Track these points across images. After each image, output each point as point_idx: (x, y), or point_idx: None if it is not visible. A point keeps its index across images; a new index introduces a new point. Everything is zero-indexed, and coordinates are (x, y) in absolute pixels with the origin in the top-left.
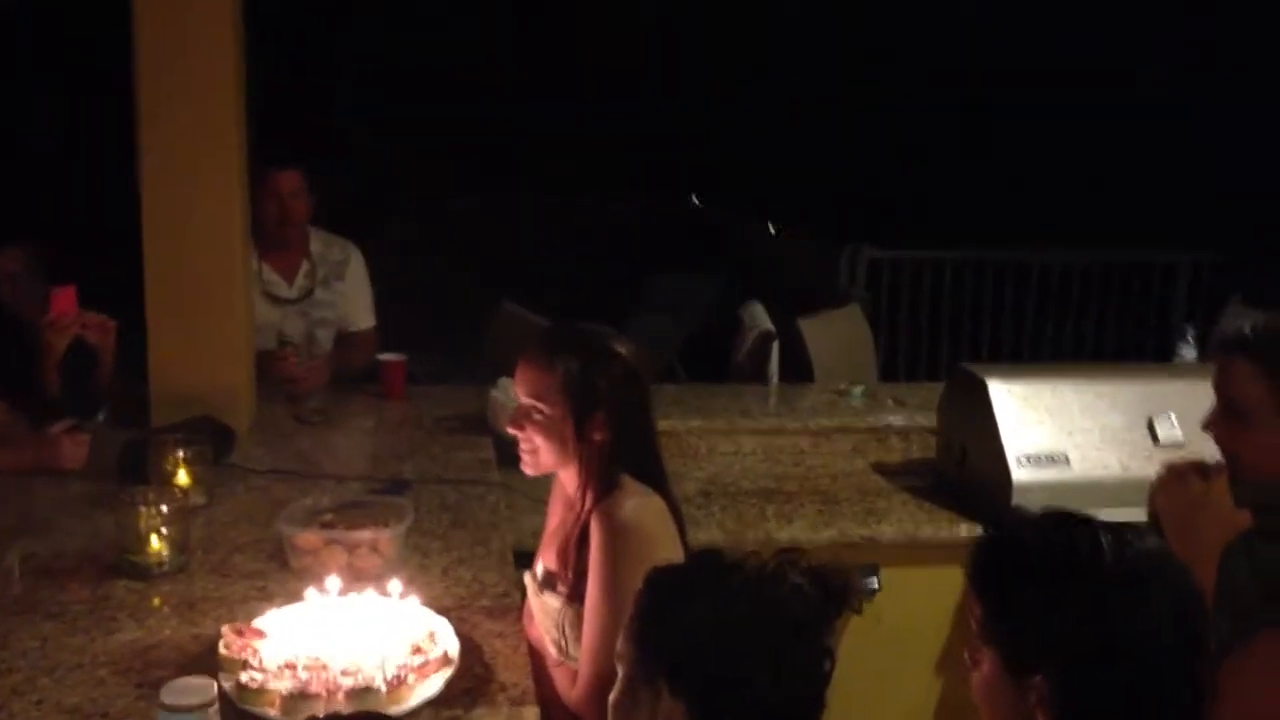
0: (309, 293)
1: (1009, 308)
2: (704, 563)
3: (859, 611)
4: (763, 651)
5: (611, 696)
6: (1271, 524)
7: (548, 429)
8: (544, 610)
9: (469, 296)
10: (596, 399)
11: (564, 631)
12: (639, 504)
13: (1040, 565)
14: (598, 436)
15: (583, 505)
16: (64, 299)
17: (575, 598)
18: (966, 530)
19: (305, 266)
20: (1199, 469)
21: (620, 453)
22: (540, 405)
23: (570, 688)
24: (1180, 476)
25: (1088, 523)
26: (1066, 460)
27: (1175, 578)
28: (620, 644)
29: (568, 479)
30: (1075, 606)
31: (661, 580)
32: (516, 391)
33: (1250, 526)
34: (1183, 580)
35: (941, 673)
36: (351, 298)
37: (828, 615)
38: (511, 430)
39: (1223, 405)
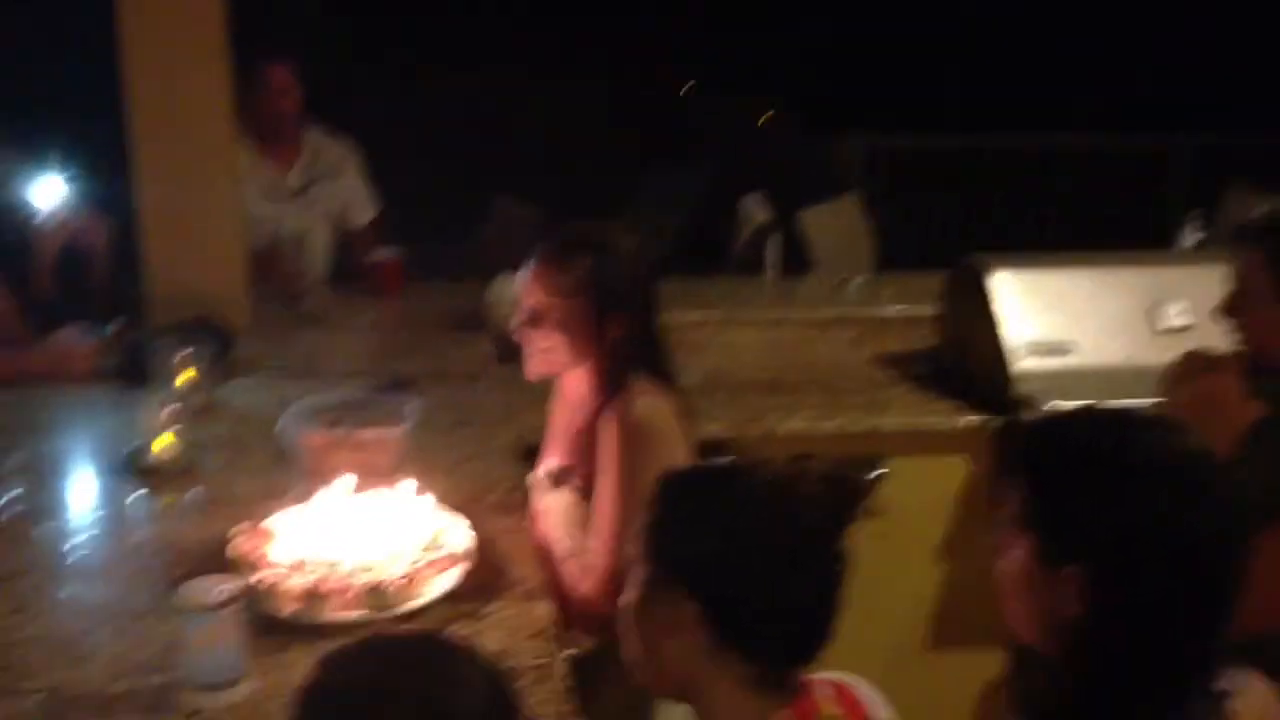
0: (307, 187)
1: (1006, 196)
2: (717, 468)
3: (872, 515)
4: (778, 557)
5: (623, 599)
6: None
7: (565, 328)
8: (555, 506)
9: (456, 191)
10: (615, 296)
11: (575, 527)
12: (651, 403)
13: (1092, 454)
14: (614, 334)
15: (595, 404)
16: (52, 196)
17: (586, 494)
18: (968, 420)
19: (303, 160)
20: (1211, 361)
21: (632, 351)
22: (557, 304)
23: (580, 582)
24: (1193, 370)
25: (1136, 418)
26: (1069, 349)
27: (1222, 477)
28: (633, 547)
29: (577, 378)
30: (1124, 499)
31: (675, 485)
32: (528, 290)
33: (1263, 416)
34: (1227, 479)
35: (943, 559)
36: (352, 193)
37: (841, 521)
38: (524, 330)
39: (1242, 287)
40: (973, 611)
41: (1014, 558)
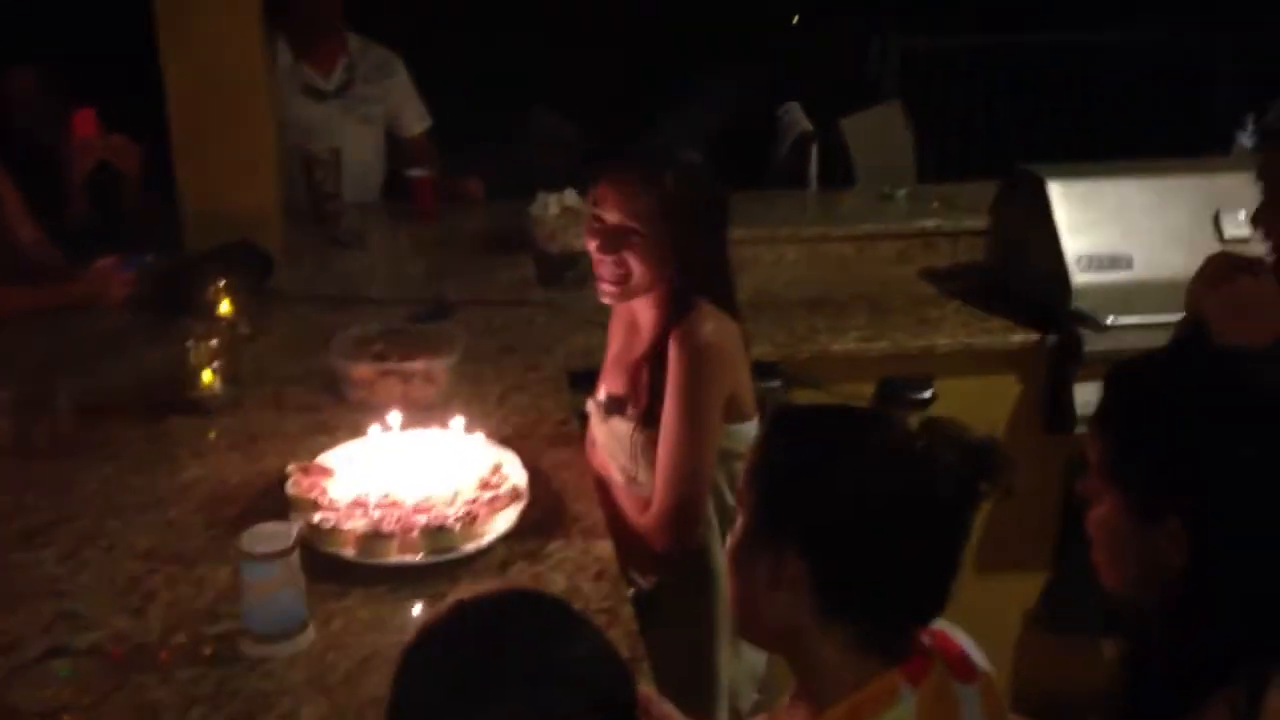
0: (349, 85)
1: (1045, 98)
2: (842, 416)
3: (1008, 493)
4: (905, 529)
5: (730, 541)
6: None
7: (648, 251)
8: (611, 435)
9: (490, 106)
10: (695, 218)
11: (635, 456)
12: (718, 326)
13: (1182, 399)
14: (692, 257)
15: (659, 328)
16: (84, 121)
17: (648, 422)
18: (1022, 338)
19: (344, 60)
20: (1245, 265)
21: (701, 274)
22: (639, 225)
23: (640, 513)
24: (1228, 275)
25: (1223, 355)
26: (1129, 263)
27: None
28: (742, 485)
29: (643, 303)
30: (1221, 442)
31: (792, 427)
32: (605, 212)
33: None
34: None
35: None
36: (400, 97)
37: (975, 495)
38: (600, 255)
39: (1270, 195)
40: (1015, 537)
41: (1107, 509)
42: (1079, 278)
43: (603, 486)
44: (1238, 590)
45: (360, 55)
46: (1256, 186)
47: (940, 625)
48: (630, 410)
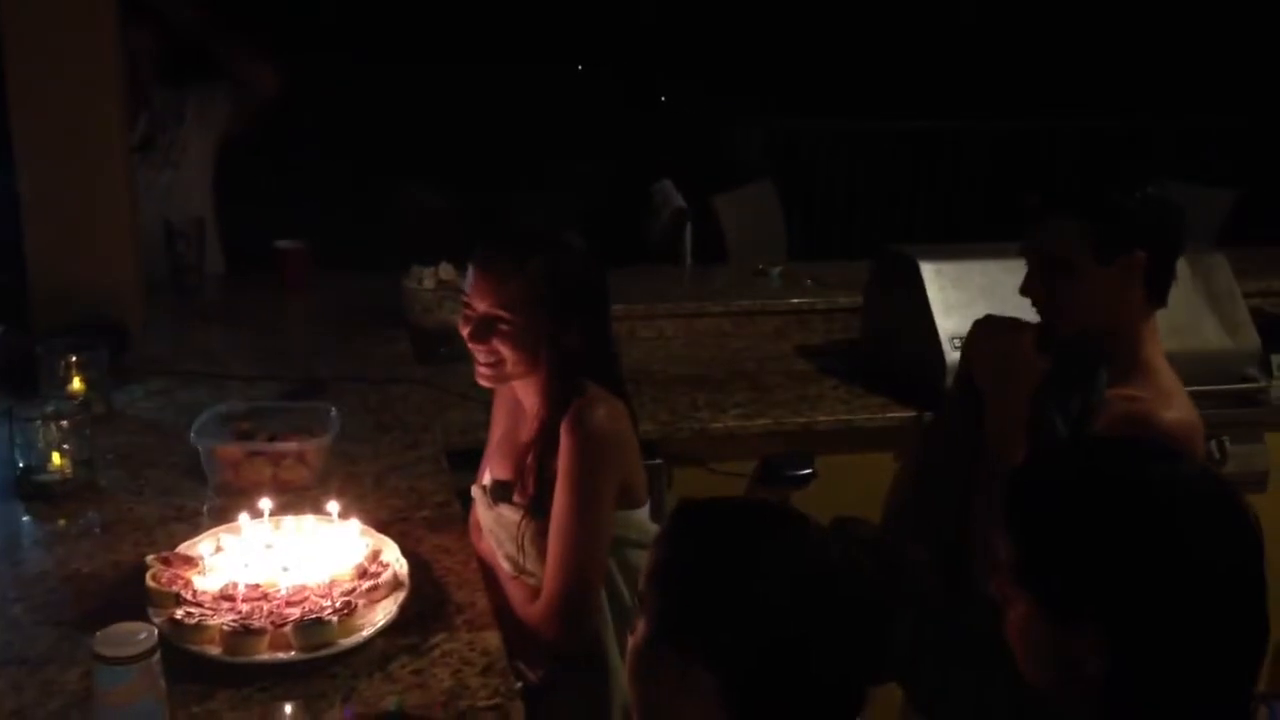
0: (150, 138)
1: (899, 180)
2: (756, 516)
3: (923, 601)
4: (825, 640)
5: (631, 644)
6: (1069, 370)
7: (518, 339)
8: (498, 523)
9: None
10: (569, 303)
11: (521, 546)
12: (609, 412)
13: (1072, 501)
14: (569, 343)
15: (547, 413)
16: None
17: (537, 511)
18: (899, 414)
19: (144, 115)
20: (1009, 326)
21: (582, 357)
22: (507, 314)
23: (528, 603)
24: (991, 336)
25: (1120, 449)
26: None
27: (1228, 499)
28: (643, 586)
29: (524, 387)
30: (1117, 541)
31: (703, 527)
32: (475, 298)
33: (1050, 371)
34: (1234, 500)
35: None
36: (199, 127)
37: (890, 602)
38: (472, 344)
39: (1043, 262)
40: None
41: (1021, 613)
42: (952, 355)
43: (488, 573)
44: (1160, 687)
45: (161, 105)
46: (1037, 252)
47: None
48: (518, 497)
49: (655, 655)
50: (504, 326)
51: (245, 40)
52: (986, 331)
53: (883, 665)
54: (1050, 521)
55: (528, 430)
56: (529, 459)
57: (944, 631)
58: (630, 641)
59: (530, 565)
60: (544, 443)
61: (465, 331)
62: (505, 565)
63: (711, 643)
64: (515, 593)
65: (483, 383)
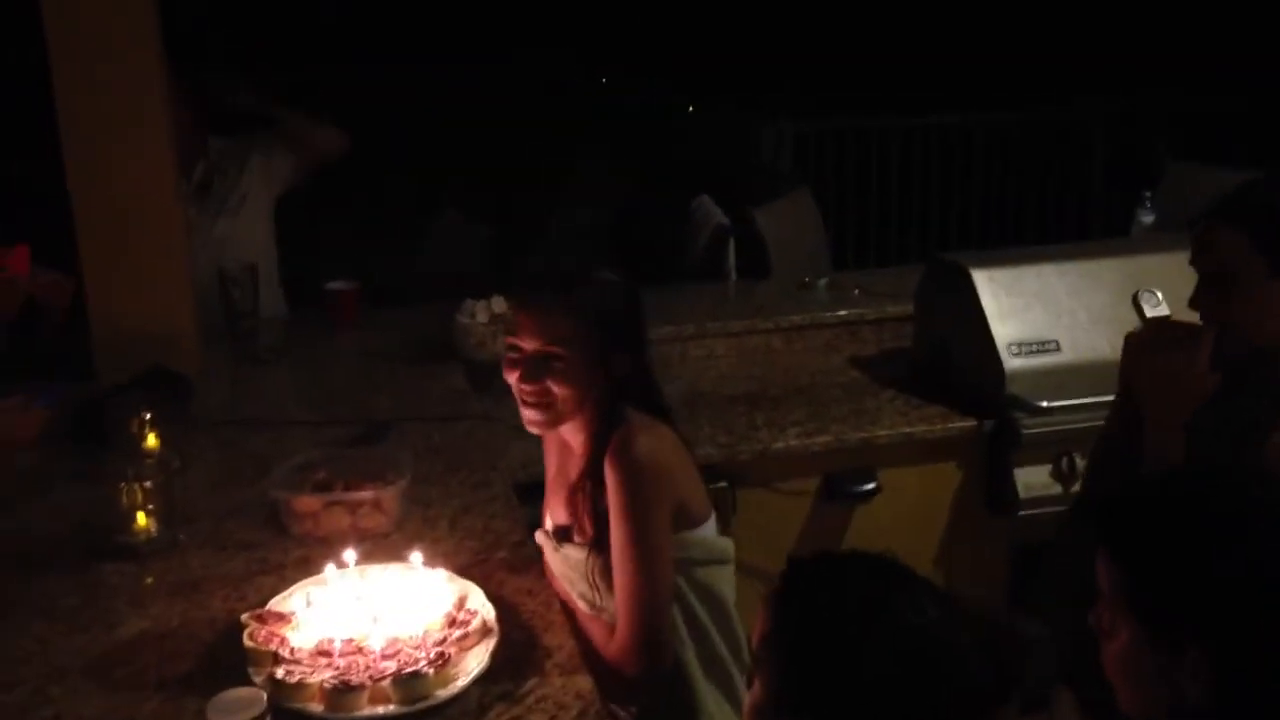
0: (206, 185)
1: (935, 179)
2: (864, 574)
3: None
4: (927, 706)
5: (748, 705)
6: (1240, 382)
7: (570, 374)
8: (566, 564)
9: (389, 211)
10: (618, 332)
11: (593, 583)
12: (652, 439)
13: (1180, 527)
14: (619, 371)
15: (590, 448)
16: (17, 258)
17: (600, 546)
18: (959, 425)
19: (202, 164)
20: (1181, 334)
21: (632, 384)
22: (559, 349)
23: (607, 641)
24: (1160, 347)
25: (1220, 473)
26: (1057, 346)
27: None
28: (758, 646)
29: (572, 428)
30: (1225, 567)
31: (812, 587)
32: (524, 338)
33: (1221, 388)
34: None
35: (939, 568)
36: (260, 180)
37: (994, 697)
38: (523, 386)
39: (1212, 276)
40: None
41: (1123, 643)
42: (1011, 363)
43: (570, 615)
44: (1266, 716)
45: (219, 154)
46: (1190, 268)
47: None
48: (577, 537)
49: (774, 713)
50: (557, 364)
51: (307, 111)
52: (1144, 343)
53: None
54: (1154, 546)
55: (576, 469)
56: (580, 498)
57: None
58: (747, 699)
59: (605, 602)
60: (593, 480)
61: (514, 375)
62: (581, 605)
63: (820, 711)
64: (595, 632)
65: (533, 429)
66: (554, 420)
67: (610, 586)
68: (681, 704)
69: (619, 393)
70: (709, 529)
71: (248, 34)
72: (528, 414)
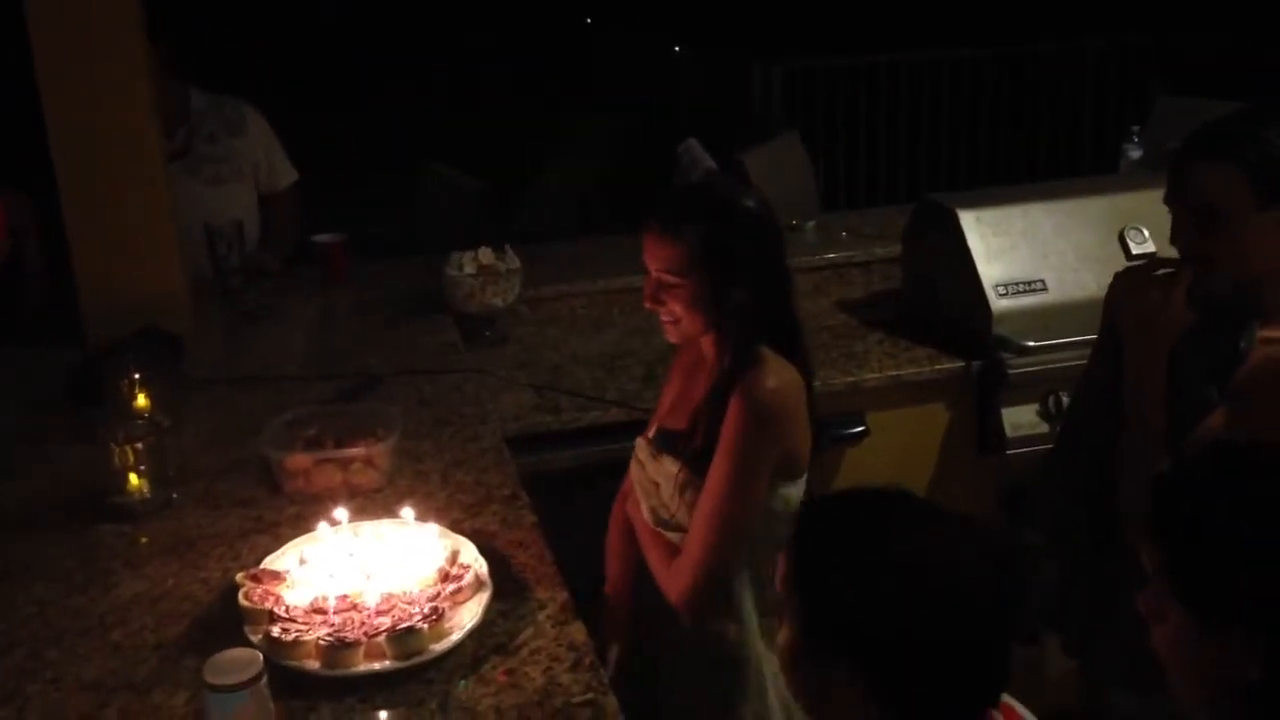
0: (187, 148)
1: (922, 115)
2: (875, 505)
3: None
4: (958, 626)
5: (779, 639)
6: (1218, 321)
7: (688, 301)
8: (658, 471)
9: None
10: (733, 264)
11: (678, 493)
12: (781, 382)
13: (1226, 508)
14: (739, 302)
15: (720, 373)
16: None
17: (697, 466)
18: (947, 366)
19: (183, 122)
20: (1156, 277)
21: (760, 317)
22: (674, 279)
23: (666, 564)
24: (1142, 285)
25: (1263, 452)
26: (1044, 285)
27: None
28: (781, 585)
29: (706, 343)
30: (1271, 546)
31: (827, 522)
32: (647, 261)
33: (1195, 323)
34: None
35: None
36: (255, 153)
37: (1007, 603)
38: (649, 306)
39: (1195, 212)
40: None
41: (1173, 626)
42: (998, 304)
43: (633, 540)
44: None
45: (204, 115)
46: (1187, 199)
47: (1007, 699)
48: (682, 448)
49: (802, 653)
50: (675, 289)
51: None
52: (1129, 283)
53: (1008, 652)
54: (1202, 527)
55: (705, 384)
56: (699, 414)
57: (1094, 580)
58: (779, 639)
59: (677, 519)
60: (715, 403)
61: (646, 295)
62: (647, 516)
63: (847, 639)
64: (656, 553)
65: (669, 338)
66: (683, 335)
67: (689, 506)
68: (733, 643)
69: (749, 323)
70: (799, 488)
71: None
72: (663, 323)
